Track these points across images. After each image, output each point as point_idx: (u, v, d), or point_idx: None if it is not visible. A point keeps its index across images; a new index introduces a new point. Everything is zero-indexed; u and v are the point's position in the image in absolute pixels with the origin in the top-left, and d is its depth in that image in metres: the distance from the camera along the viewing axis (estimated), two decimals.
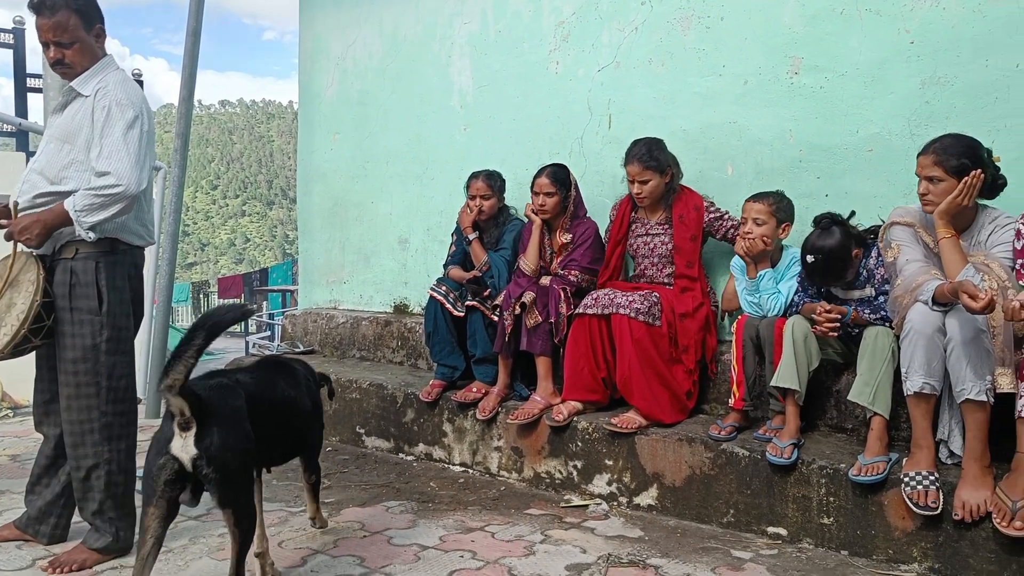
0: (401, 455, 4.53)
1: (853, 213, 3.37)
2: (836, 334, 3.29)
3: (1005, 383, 2.83)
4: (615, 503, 3.70)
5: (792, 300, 3.56)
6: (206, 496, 2.42)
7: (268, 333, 12.31)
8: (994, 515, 2.75)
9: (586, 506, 3.71)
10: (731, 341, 3.65)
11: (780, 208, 3.59)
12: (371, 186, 5.67)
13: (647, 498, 3.62)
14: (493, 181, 4.49)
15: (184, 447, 2.33)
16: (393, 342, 5.23)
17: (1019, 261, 2.95)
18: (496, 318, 4.17)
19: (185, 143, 5.74)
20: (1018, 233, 2.97)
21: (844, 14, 3.76)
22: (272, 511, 3.59)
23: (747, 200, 3.66)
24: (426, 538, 3.30)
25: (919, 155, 3.11)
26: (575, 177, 4.26)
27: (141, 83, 11.09)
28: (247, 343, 11.82)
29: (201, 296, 22.16)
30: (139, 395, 4.69)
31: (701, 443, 3.48)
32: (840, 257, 3.29)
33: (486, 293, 4.34)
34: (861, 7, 3.71)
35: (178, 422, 2.32)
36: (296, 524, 3.46)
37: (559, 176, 4.19)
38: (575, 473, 3.84)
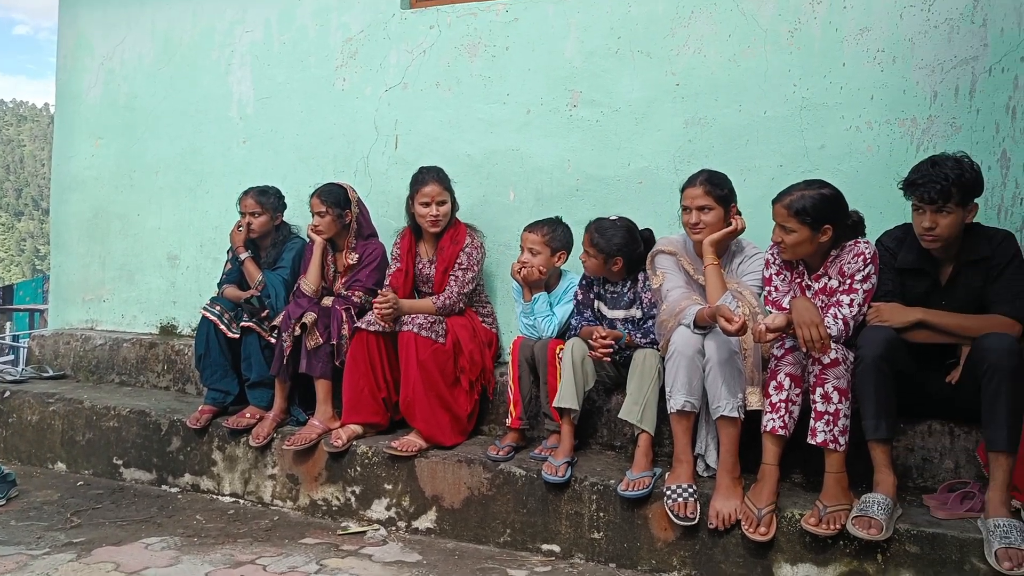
0: (164, 487, 4.19)
1: (649, 231, 3.60)
2: (610, 359, 3.44)
3: (754, 400, 3.09)
4: (394, 528, 3.63)
5: (569, 323, 3.69)
6: None
7: (11, 357, 11.02)
8: (743, 522, 2.97)
9: (364, 532, 3.61)
10: (508, 363, 3.72)
11: (554, 238, 3.71)
12: (138, 197, 5.26)
13: (426, 521, 3.58)
14: (265, 198, 4.31)
15: None
16: (159, 366, 4.86)
17: (767, 288, 3.24)
18: (273, 340, 4.00)
19: None
20: (766, 263, 3.27)
21: (619, 53, 3.99)
22: (8, 555, 3.19)
23: (524, 230, 3.75)
24: (190, 575, 3.06)
25: (685, 188, 3.34)
26: (359, 196, 4.19)
27: None
28: None
29: None
30: None
31: (480, 464, 3.50)
32: (617, 244, 3.48)
33: (263, 314, 4.15)
34: (633, 48, 3.95)
35: None
36: (39, 568, 3.09)
37: (332, 196, 4.09)
38: (353, 499, 3.73)
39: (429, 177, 3.89)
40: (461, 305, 3.89)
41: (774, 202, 3.11)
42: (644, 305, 3.54)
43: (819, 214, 3.04)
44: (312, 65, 4.71)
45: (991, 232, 3.05)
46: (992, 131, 3.39)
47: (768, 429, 2.98)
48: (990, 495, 2.79)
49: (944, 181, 2.87)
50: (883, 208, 3.39)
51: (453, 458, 3.57)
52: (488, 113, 4.26)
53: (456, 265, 3.88)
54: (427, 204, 3.88)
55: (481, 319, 4.01)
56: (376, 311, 3.73)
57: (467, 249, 3.89)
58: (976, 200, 2.97)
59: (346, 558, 3.31)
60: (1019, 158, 3.35)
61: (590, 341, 3.43)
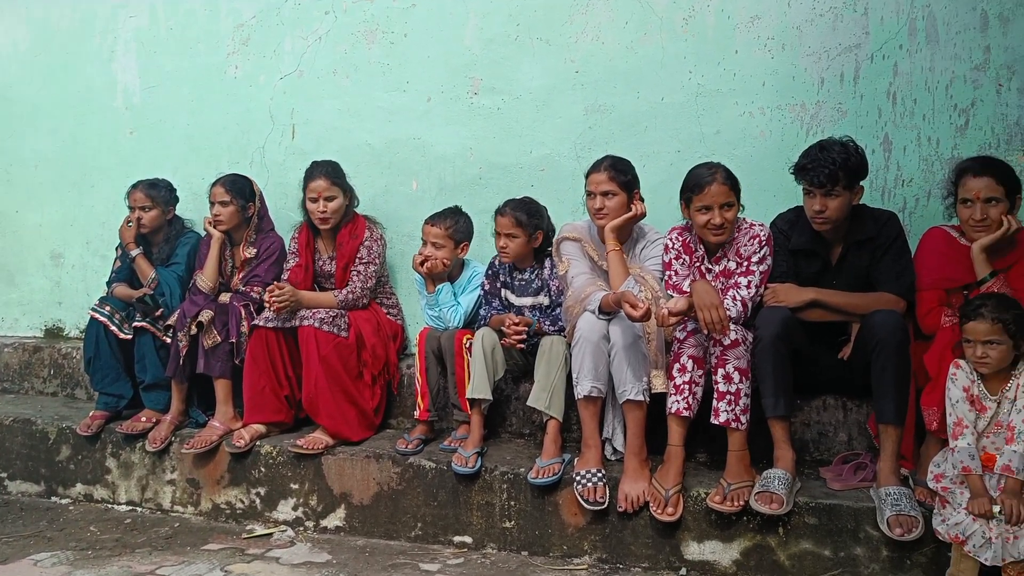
0: (54, 499, 3.97)
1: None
2: (523, 346, 3.44)
3: (659, 384, 3.14)
4: (301, 528, 3.54)
5: (476, 313, 3.67)
6: None
7: None
8: (651, 504, 3.02)
9: (270, 534, 3.51)
10: (415, 355, 3.68)
11: (457, 230, 3.69)
12: (16, 193, 4.95)
13: (335, 520, 3.51)
14: (155, 191, 4.11)
15: None
16: (44, 371, 4.60)
17: (667, 273, 3.29)
18: (168, 340, 3.84)
19: None
20: (666, 248, 3.32)
21: (518, 40, 3.97)
22: None
23: (425, 223, 3.71)
24: None
25: (590, 173, 3.36)
26: (259, 188, 4.06)
27: None
28: None
29: None
30: None
31: (389, 458, 3.45)
32: (539, 216, 3.53)
33: (157, 313, 3.97)
34: (532, 35, 3.95)
35: None
36: None
37: (237, 186, 3.95)
38: (258, 501, 3.62)
39: (317, 172, 3.80)
40: (365, 300, 3.82)
41: (706, 184, 3.08)
42: (552, 292, 3.55)
43: (739, 187, 3.15)
44: (202, 52, 4.53)
45: (876, 213, 3.18)
46: (875, 116, 3.53)
47: (673, 411, 3.03)
48: (881, 465, 2.91)
49: (832, 165, 2.97)
50: (776, 191, 3.49)
51: (361, 454, 3.51)
52: (388, 101, 4.18)
53: (357, 260, 3.80)
54: (315, 200, 3.78)
55: (386, 311, 3.95)
56: (268, 302, 3.61)
57: (367, 243, 3.81)
58: (862, 183, 3.09)
59: (252, 562, 3.21)
60: (900, 142, 3.50)
61: (503, 329, 3.42)
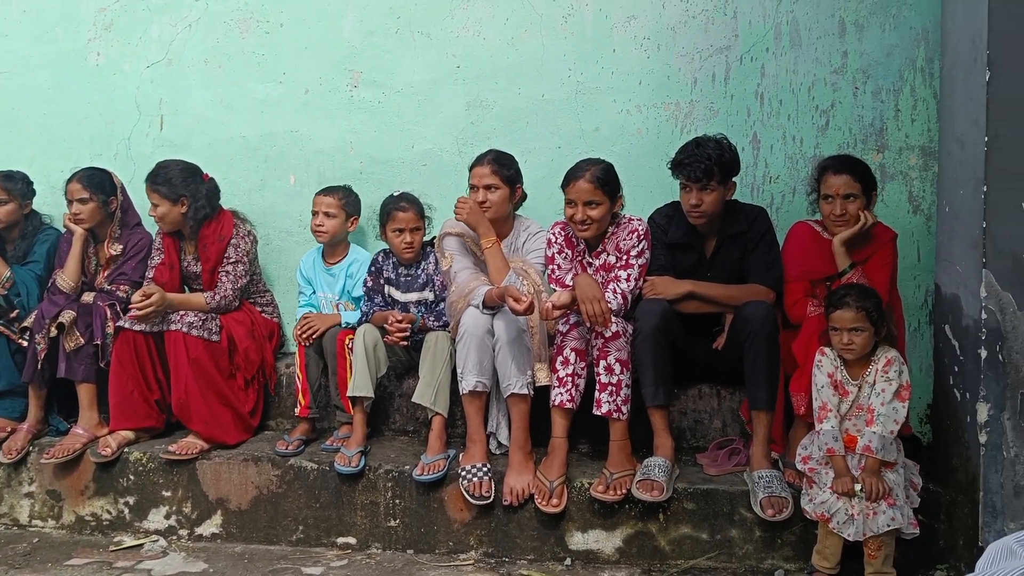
0: None
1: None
2: (407, 343, 3.40)
3: (543, 377, 3.17)
4: (175, 537, 3.38)
5: (360, 310, 3.60)
6: None
7: None
8: (536, 496, 3.05)
9: (141, 545, 3.33)
10: (295, 353, 3.59)
11: (349, 203, 3.71)
12: None
13: (211, 527, 3.37)
14: (11, 184, 3.81)
15: None
16: None
17: (550, 267, 3.33)
18: (25, 343, 3.59)
19: None
20: (549, 242, 3.36)
21: (399, 34, 3.92)
22: None
23: (317, 194, 3.70)
24: None
25: (473, 167, 3.37)
26: (120, 181, 3.84)
27: None
28: None
29: None
30: None
31: (268, 461, 3.35)
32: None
33: (13, 315, 3.71)
34: (414, 28, 3.90)
35: None
36: None
37: (95, 180, 3.73)
38: (127, 510, 3.43)
39: (148, 175, 3.63)
40: (237, 303, 3.66)
41: (572, 180, 3.17)
42: (436, 287, 3.53)
43: (615, 184, 3.21)
44: (60, 37, 4.24)
45: (747, 208, 3.32)
46: (744, 115, 3.67)
47: (557, 403, 3.07)
48: (753, 450, 3.04)
49: (707, 161, 3.08)
50: (653, 187, 3.58)
51: (238, 457, 3.38)
52: (263, 93, 4.05)
53: (225, 260, 3.63)
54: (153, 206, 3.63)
55: (260, 309, 3.81)
56: (135, 311, 3.42)
57: (234, 241, 3.66)
58: (734, 179, 3.21)
59: (121, 575, 3.05)
60: (767, 140, 3.66)
61: (385, 326, 3.37)
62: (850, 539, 2.71)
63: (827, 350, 2.86)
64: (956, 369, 3.00)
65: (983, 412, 2.76)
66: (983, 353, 2.75)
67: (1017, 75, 2.68)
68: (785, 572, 2.94)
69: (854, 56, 3.57)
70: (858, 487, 2.70)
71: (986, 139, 2.73)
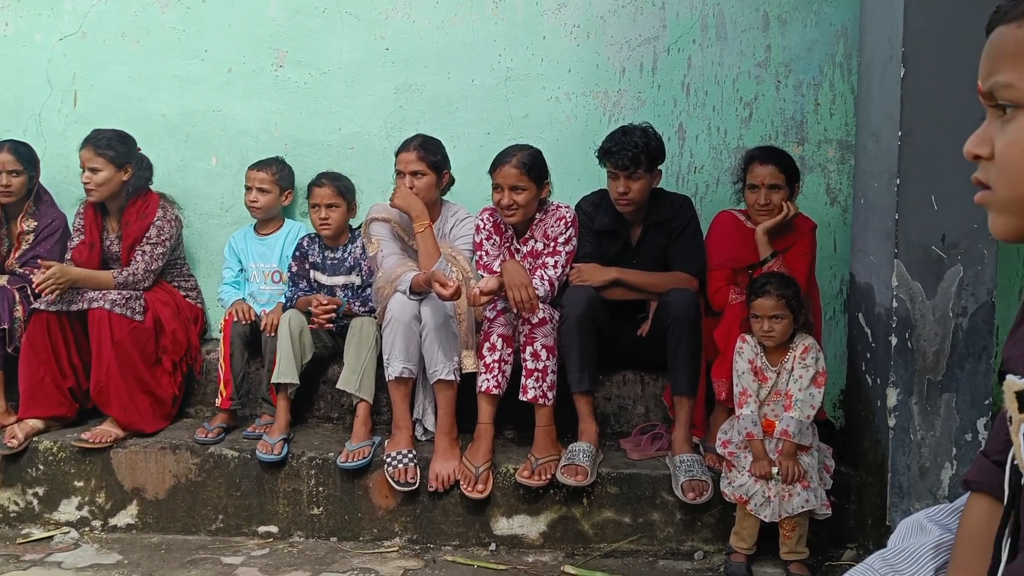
0: None
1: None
2: (332, 326, 3.35)
3: (469, 363, 3.17)
4: (87, 528, 3.27)
5: (285, 295, 3.54)
6: None
7: None
8: (462, 482, 3.05)
9: (51, 537, 3.21)
10: (219, 340, 3.50)
11: (282, 177, 3.67)
12: None
13: (126, 517, 3.27)
14: None
15: None
16: None
17: (478, 253, 3.32)
18: None
19: None
20: (477, 228, 3.35)
21: (326, 13, 3.84)
22: None
23: (249, 169, 3.66)
24: None
25: (400, 152, 3.33)
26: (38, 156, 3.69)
27: None
28: None
29: None
30: None
31: (187, 449, 3.26)
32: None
33: None
34: (342, 8, 3.83)
35: None
36: None
37: (26, 152, 3.58)
38: (36, 502, 3.30)
39: (87, 140, 3.47)
40: (147, 283, 3.53)
41: (500, 165, 3.17)
42: (363, 272, 3.49)
43: (541, 170, 3.22)
44: None
45: (672, 197, 3.37)
46: (671, 106, 3.72)
47: (483, 389, 3.07)
48: (675, 434, 3.10)
49: (635, 148, 3.11)
50: (580, 175, 3.60)
51: (156, 445, 3.28)
52: (184, 70, 3.91)
53: (145, 239, 3.49)
54: (83, 170, 3.46)
55: (184, 294, 3.70)
56: (38, 287, 3.27)
57: (157, 223, 3.53)
58: (660, 167, 3.26)
59: (29, 568, 2.94)
60: (693, 131, 3.71)
61: (310, 309, 3.32)
62: (766, 520, 2.79)
63: (748, 337, 2.93)
64: (868, 356, 3.12)
65: (892, 397, 2.87)
66: (893, 340, 2.86)
67: (930, 73, 2.78)
68: (704, 554, 3.01)
69: (777, 50, 3.64)
70: (775, 470, 2.78)
71: (900, 134, 2.82)
